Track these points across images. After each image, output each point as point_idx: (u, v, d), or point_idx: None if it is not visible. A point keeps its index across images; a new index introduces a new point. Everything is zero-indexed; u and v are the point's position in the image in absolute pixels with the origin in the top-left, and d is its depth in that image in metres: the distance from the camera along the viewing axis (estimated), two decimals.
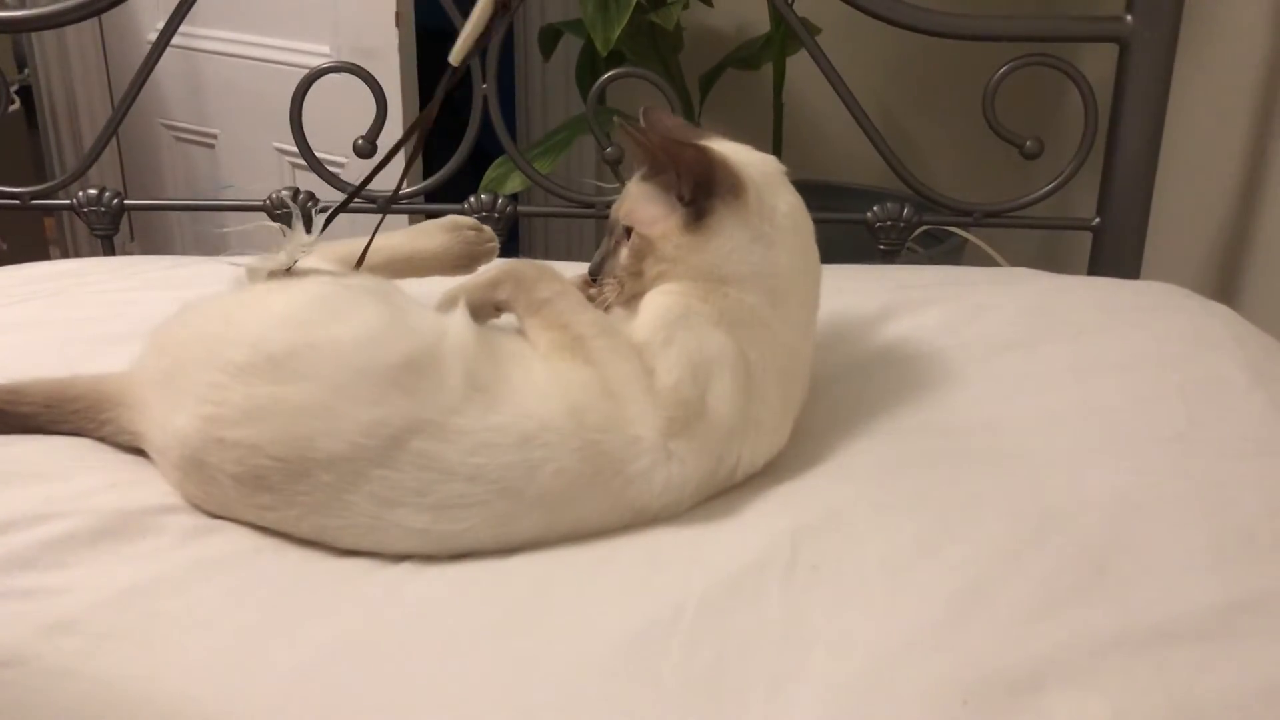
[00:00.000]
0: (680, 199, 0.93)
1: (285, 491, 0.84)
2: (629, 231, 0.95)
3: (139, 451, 0.94)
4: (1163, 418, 0.98)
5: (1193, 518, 0.86)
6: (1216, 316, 1.23)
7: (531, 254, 2.84)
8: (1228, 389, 1.05)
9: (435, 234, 1.06)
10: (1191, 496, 0.88)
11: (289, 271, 0.96)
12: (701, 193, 0.92)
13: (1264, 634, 0.75)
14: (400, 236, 1.07)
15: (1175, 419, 0.98)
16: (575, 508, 0.86)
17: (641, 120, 0.92)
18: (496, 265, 0.99)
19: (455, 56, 1.05)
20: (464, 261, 1.06)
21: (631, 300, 0.95)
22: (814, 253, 0.99)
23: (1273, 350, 1.15)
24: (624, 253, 0.96)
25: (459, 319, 0.90)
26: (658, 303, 0.92)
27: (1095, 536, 0.84)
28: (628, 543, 0.87)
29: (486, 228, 1.07)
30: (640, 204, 0.96)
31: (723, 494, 0.91)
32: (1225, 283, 1.84)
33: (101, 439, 0.96)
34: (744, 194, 0.93)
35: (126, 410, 0.94)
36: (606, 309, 0.95)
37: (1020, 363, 1.12)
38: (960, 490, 0.91)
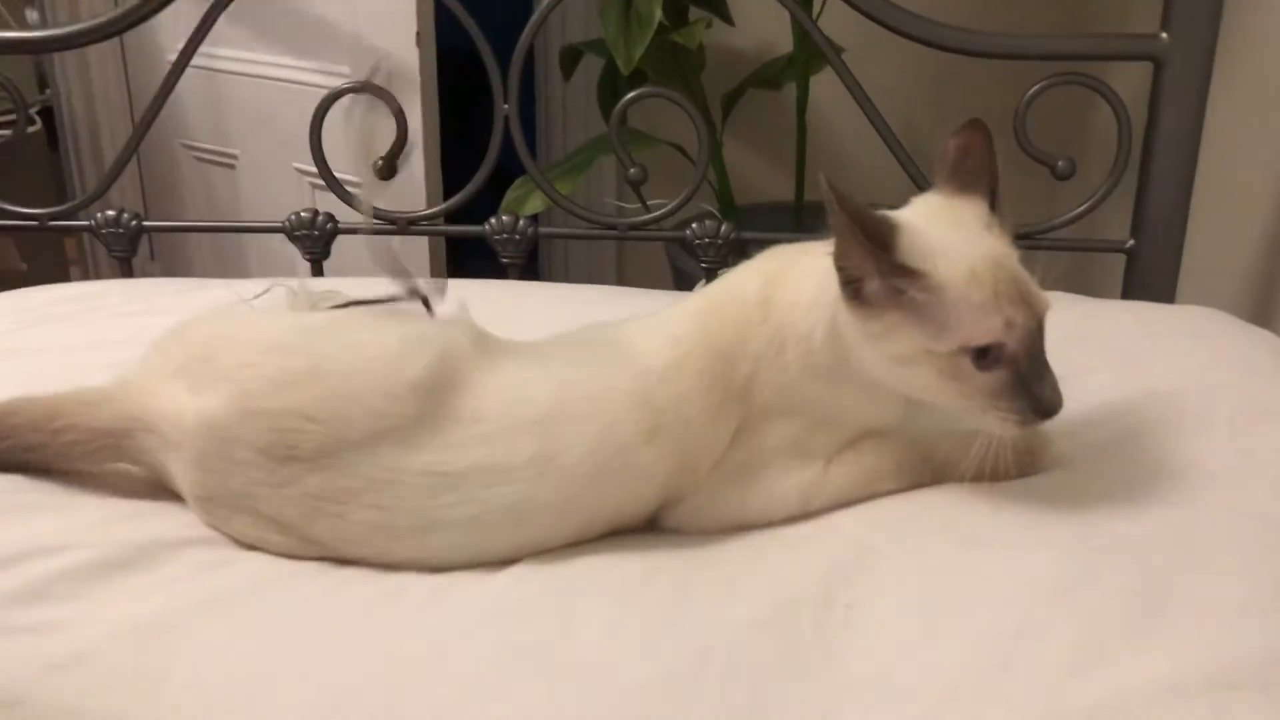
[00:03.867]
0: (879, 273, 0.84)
1: (312, 463, 0.83)
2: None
3: (152, 484, 0.92)
4: (1211, 451, 0.94)
5: (1247, 558, 0.81)
6: (1260, 342, 1.18)
7: (551, 276, 2.82)
8: (1276, 419, 1.00)
9: None
10: (1245, 536, 0.84)
11: None
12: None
13: None
14: None
15: (1224, 453, 0.94)
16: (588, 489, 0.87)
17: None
18: None
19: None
20: None
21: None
22: None
23: None
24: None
25: (459, 322, 0.93)
26: None
27: (1146, 577, 0.79)
28: (656, 577, 0.84)
29: None
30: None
31: (752, 530, 0.89)
32: (1263, 306, 1.79)
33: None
34: None
35: (124, 419, 0.90)
36: None
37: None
38: (1004, 526, 0.87)
